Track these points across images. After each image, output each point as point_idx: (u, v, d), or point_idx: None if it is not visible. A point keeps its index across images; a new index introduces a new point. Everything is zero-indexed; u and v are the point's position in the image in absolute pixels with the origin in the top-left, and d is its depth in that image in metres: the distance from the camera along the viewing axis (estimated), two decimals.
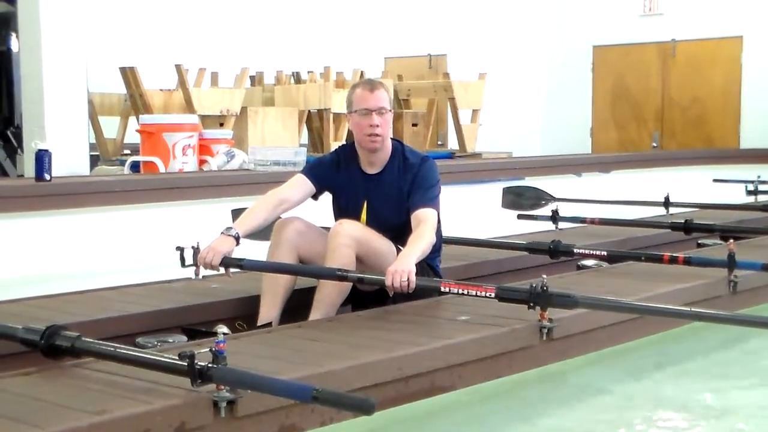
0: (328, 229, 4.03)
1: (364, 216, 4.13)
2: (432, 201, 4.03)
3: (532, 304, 3.53)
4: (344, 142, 4.54)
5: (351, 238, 3.87)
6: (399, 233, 3.98)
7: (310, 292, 4.01)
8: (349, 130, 8.87)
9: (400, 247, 3.91)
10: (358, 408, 2.41)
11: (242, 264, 3.93)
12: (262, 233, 4.20)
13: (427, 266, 4.07)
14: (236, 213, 5.02)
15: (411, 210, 3.99)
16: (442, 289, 3.69)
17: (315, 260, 4.02)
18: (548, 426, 3.61)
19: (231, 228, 3.97)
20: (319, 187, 4.19)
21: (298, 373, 2.88)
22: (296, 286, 4.06)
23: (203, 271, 3.99)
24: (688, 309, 3.74)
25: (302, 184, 4.17)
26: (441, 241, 4.25)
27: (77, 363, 2.97)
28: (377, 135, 4.03)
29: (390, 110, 4.08)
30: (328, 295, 3.90)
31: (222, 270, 3.97)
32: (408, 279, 3.62)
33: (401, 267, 3.65)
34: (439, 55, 16.02)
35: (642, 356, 4.30)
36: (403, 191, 4.07)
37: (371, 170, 4.16)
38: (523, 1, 16.18)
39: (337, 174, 4.19)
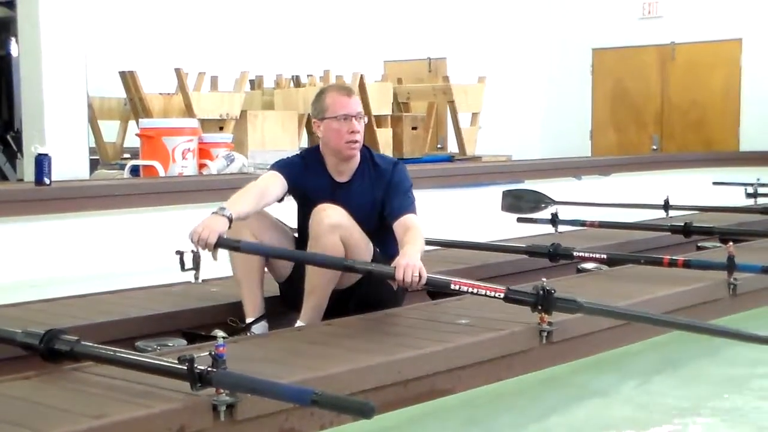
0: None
1: None
2: (412, 206, 3.91)
3: (539, 307, 3.52)
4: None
5: (335, 226, 3.71)
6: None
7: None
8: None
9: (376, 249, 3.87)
10: (357, 411, 2.41)
11: (239, 246, 3.71)
12: None
13: None
14: None
15: (393, 217, 3.85)
16: (453, 287, 3.60)
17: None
18: (548, 429, 3.61)
19: (224, 208, 3.71)
20: (290, 186, 3.98)
21: (297, 377, 2.88)
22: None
23: (202, 275, 3.96)
24: (696, 321, 3.66)
25: (278, 180, 3.96)
26: None
27: (77, 367, 2.98)
28: (357, 141, 3.91)
29: (365, 115, 4.01)
30: (318, 285, 3.79)
31: (211, 253, 3.67)
32: (420, 274, 3.52)
33: (411, 262, 3.51)
34: (438, 59, 16.03)
35: (642, 359, 4.30)
36: (376, 199, 3.94)
37: (341, 178, 4.00)
38: (522, 4, 16.19)
39: (306, 178, 4.01)
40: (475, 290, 3.58)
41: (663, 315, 3.71)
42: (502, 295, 3.55)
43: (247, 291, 3.94)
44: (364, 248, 3.81)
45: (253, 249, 3.80)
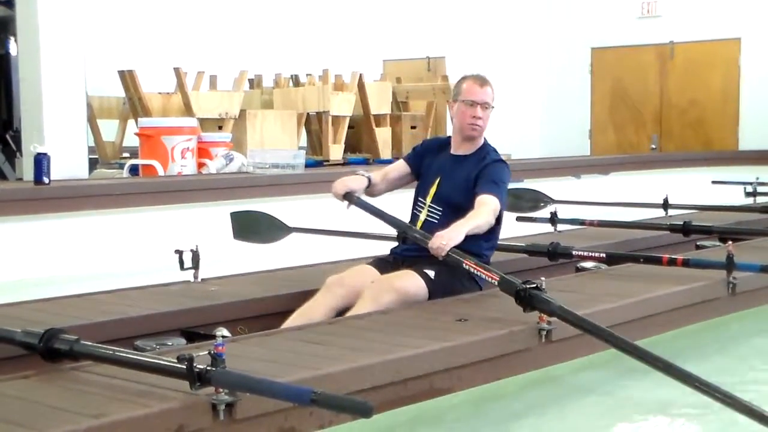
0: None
1: (433, 190, 4.37)
2: (498, 192, 4.23)
3: (518, 301, 3.58)
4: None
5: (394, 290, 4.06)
6: (458, 214, 4.15)
7: None
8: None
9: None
10: (356, 411, 2.41)
11: (356, 202, 4.36)
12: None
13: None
14: (235, 216, 5.03)
15: (476, 195, 4.21)
16: (464, 266, 3.93)
17: None
18: (547, 428, 3.62)
19: (367, 171, 4.46)
20: (414, 163, 4.56)
21: (296, 376, 2.88)
22: None
23: (201, 274, 3.99)
24: (671, 364, 3.32)
25: (399, 165, 4.63)
26: (496, 240, 4.44)
27: (76, 366, 2.97)
28: (477, 126, 4.35)
29: (493, 107, 4.38)
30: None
31: (345, 203, 4.37)
32: (445, 246, 3.90)
33: (448, 234, 3.96)
34: (437, 58, 16.01)
35: None
36: (470, 176, 4.30)
37: (456, 152, 4.46)
38: (521, 3, 16.20)
39: (431, 151, 4.56)
40: (478, 272, 3.92)
41: (635, 345, 3.37)
42: (496, 281, 3.77)
43: (318, 302, 4.10)
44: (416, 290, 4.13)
45: (362, 206, 4.39)
